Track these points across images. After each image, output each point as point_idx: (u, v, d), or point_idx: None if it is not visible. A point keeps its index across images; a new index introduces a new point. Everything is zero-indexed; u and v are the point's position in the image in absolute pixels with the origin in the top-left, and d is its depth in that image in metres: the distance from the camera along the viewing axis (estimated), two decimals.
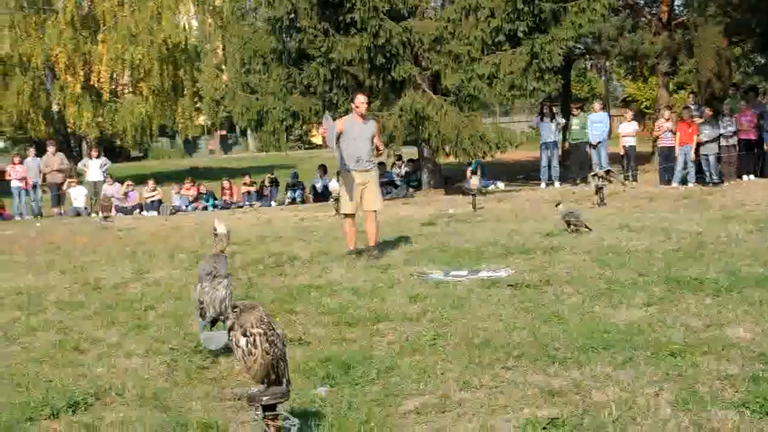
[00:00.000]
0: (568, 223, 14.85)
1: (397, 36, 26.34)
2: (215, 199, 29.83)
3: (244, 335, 5.24)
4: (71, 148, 44.97)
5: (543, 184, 27.67)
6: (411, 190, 28.65)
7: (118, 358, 8.39)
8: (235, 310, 5.32)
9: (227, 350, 7.84)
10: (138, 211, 28.75)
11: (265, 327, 5.27)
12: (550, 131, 27.94)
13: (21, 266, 15.35)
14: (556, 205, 16.11)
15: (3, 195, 29.76)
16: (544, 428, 5.72)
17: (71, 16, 41.68)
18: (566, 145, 30.55)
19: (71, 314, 10.51)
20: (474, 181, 22.14)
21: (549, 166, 27.91)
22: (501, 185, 28.58)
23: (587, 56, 48.14)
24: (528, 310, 9.13)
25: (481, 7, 27.05)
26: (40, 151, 30.88)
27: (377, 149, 13.95)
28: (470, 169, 27.45)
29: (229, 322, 5.38)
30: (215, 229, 8.47)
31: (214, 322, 8.17)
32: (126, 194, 29.58)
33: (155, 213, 28.08)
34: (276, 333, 5.36)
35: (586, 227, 14.76)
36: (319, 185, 29.91)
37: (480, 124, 27.86)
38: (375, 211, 13.92)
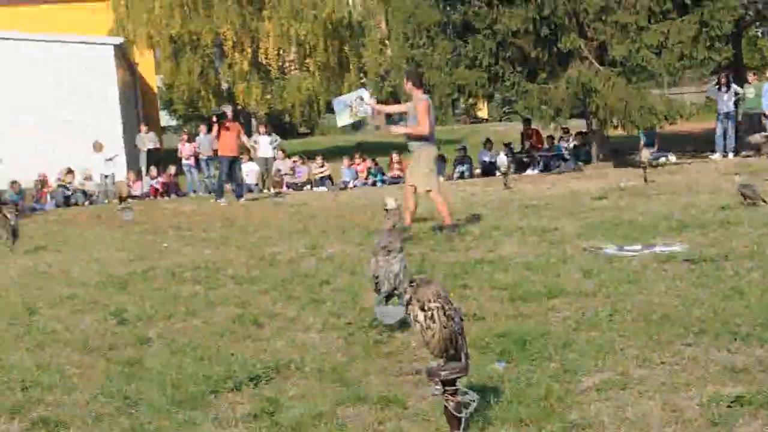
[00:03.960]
0: (744, 196, 14.48)
1: (562, 7, 26.09)
2: (384, 174, 29.97)
3: (422, 309, 5.27)
4: (241, 124, 45.73)
5: (718, 155, 27.00)
6: (580, 163, 28.28)
7: (296, 332, 8.54)
8: (413, 284, 5.35)
9: (403, 324, 7.93)
10: (308, 187, 29.12)
11: (442, 301, 5.29)
12: (727, 101, 27.23)
13: (199, 242, 15.75)
14: (736, 174, 15.73)
15: (178, 172, 30.48)
16: (728, 406, 5.62)
17: None
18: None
19: (249, 289, 10.74)
20: (645, 154, 21.78)
21: (724, 137, 27.24)
22: (672, 158, 28.00)
23: (758, 23, 46.73)
24: (706, 285, 8.95)
25: None
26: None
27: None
28: (643, 141, 27.07)
29: (406, 297, 5.41)
30: (386, 205, 8.54)
31: (389, 297, 8.25)
32: (293, 169, 29.99)
33: (324, 189, 28.38)
34: (453, 307, 5.37)
35: (764, 200, 14.38)
36: (486, 159, 29.78)
37: (648, 96, 27.39)
38: (429, 190, 14.05)
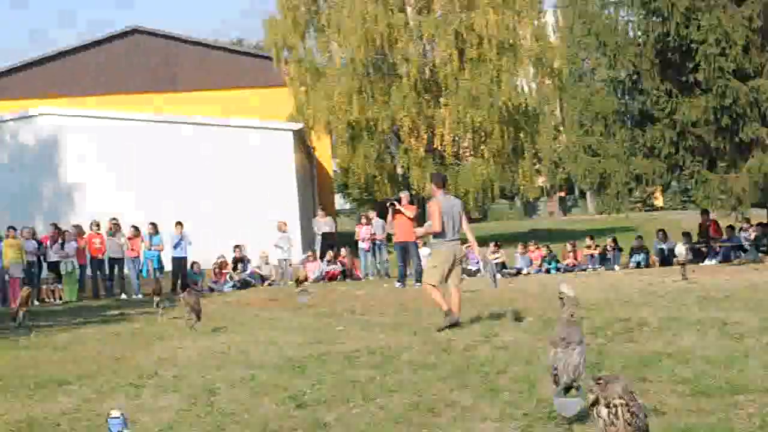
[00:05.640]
0: None
1: (744, 96, 25.66)
2: (558, 261, 29.77)
3: (607, 406, 5.22)
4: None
5: None
6: (761, 254, 27.57)
7: (473, 422, 8.51)
8: (600, 382, 5.30)
9: (581, 417, 7.82)
10: (481, 273, 29.00)
11: (627, 398, 5.23)
12: None
13: (374, 326, 15.86)
14: None
15: (354, 256, 30.75)
16: None
17: (414, 81, 42.86)
18: None
19: (424, 375, 10.74)
20: None
21: None
22: None
23: None
24: None
25: None
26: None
27: None
28: None
29: (592, 396, 5.36)
30: (561, 293, 8.48)
31: (568, 389, 8.15)
32: (466, 255, 29.94)
33: (498, 275, 28.24)
34: (638, 404, 5.30)
35: None
36: (663, 248, 29.30)
37: None
38: (429, 284, 15.38)
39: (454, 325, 14.62)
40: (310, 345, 13.88)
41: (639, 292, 19.40)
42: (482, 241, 31.48)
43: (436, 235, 15.27)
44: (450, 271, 15.17)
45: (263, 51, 53.45)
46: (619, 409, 5.19)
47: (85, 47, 52.14)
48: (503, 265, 28.94)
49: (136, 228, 27.99)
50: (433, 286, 15.09)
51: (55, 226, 28.13)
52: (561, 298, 8.48)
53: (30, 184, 35.36)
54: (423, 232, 17.02)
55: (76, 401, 10.45)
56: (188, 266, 28.43)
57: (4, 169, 35.65)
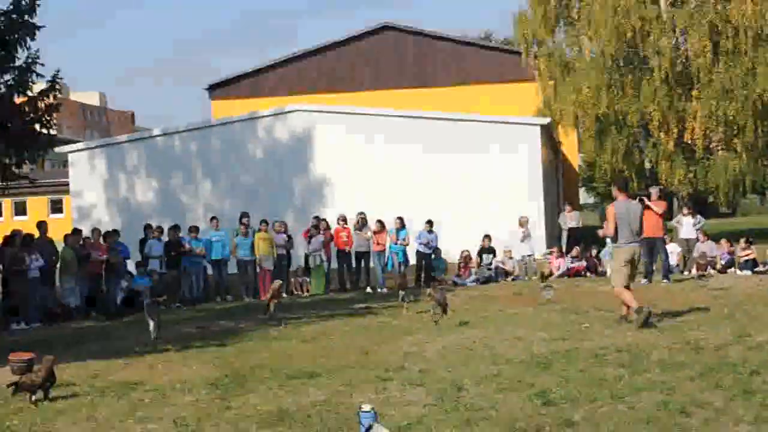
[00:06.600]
0: None
1: None
2: None
3: None
4: (669, 205, 44.86)
5: None
6: None
7: (725, 424, 8.28)
8: None
9: None
10: (732, 269, 28.17)
11: None
12: None
13: (619, 323, 15.61)
14: None
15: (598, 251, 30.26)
16: None
17: (666, 74, 41.80)
18: None
19: (674, 375, 10.52)
20: None
21: None
22: None
23: None
24: None
25: None
26: None
27: None
28: None
29: None
30: None
31: None
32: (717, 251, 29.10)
33: (749, 272, 27.34)
34: None
35: None
36: None
37: None
38: (613, 287, 16.23)
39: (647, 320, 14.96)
40: (555, 341, 13.82)
41: None
42: (732, 237, 30.69)
43: (614, 239, 15.87)
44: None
45: (511, 46, 53.35)
46: None
47: (337, 44, 53.31)
48: (754, 262, 27.93)
49: (381, 222, 28.30)
50: (624, 287, 15.63)
51: (317, 218, 28.83)
52: None
53: (282, 179, 36.32)
54: (602, 234, 18.07)
55: (326, 393, 10.70)
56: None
57: (259, 163, 36.74)
